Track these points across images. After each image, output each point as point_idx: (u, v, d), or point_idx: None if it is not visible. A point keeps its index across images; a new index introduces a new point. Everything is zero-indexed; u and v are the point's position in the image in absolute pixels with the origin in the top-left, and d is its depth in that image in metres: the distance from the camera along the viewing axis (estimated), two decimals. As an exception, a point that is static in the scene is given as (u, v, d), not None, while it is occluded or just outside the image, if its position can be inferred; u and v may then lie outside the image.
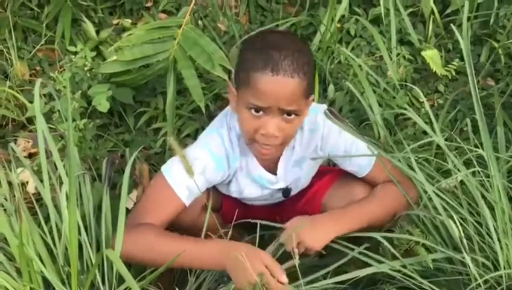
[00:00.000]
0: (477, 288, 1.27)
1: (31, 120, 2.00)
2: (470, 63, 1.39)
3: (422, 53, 2.11)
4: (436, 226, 1.40)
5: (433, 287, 1.30)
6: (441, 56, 2.18)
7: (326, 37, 2.09)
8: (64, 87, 1.80)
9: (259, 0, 2.38)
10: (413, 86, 1.80)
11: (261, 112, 1.29)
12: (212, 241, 1.32)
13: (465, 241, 1.29)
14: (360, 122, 1.96)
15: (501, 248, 1.29)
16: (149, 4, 2.36)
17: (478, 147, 1.39)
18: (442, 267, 1.37)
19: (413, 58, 2.21)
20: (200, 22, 2.24)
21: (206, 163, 1.38)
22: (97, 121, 1.93)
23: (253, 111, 1.29)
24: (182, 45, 1.82)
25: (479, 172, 1.36)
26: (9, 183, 1.42)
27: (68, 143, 1.30)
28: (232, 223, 1.38)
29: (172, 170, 1.37)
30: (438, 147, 1.58)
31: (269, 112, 1.28)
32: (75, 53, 1.94)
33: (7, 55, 2.15)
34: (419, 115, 1.87)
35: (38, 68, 2.20)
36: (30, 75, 2.18)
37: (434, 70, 2.09)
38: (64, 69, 2.11)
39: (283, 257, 1.33)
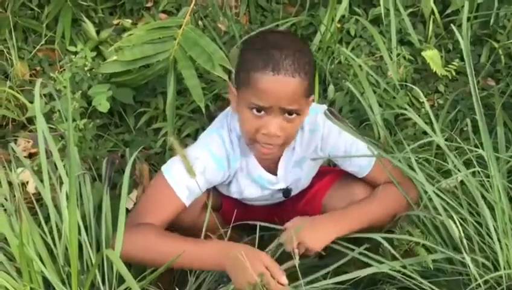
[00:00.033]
0: (477, 288, 1.27)
1: (31, 120, 2.00)
2: (470, 63, 1.39)
3: (423, 53, 2.11)
4: (436, 226, 1.40)
5: (433, 287, 1.30)
6: (441, 56, 2.18)
7: (326, 37, 2.09)
8: (65, 87, 1.80)
9: (259, 1, 2.38)
10: (414, 86, 1.80)
11: (262, 112, 1.29)
12: (212, 242, 1.32)
13: (465, 241, 1.29)
14: (360, 123, 1.97)
15: (501, 248, 1.29)
16: (149, 4, 2.36)
17: (478, 147, 1.39)
18: (442, 267, 1.37)
19: (413, 59, 2.21)
20: (200, 22, 2.24)
21: (206, 163, 1.38)
22: (97, 121, 1.93)
23: (254, 111, 1.29)
24: (182, 45, 1.82)
25: (479, 172, 1.36)
26: (10, 183, 1.42)
27: (68, 143, 1.30)
28: (231, 224, 1.38)
29: (172, 170, 1.37)
30: (438, 147, 1.58)
31: (270, 111, 1.28)
32: (75, 53, 1.94)
33: (7, 55, 2.15)
34: (419, 115, 1.87)
35: (38, 68, 2.20)
36: (30, 75, 2.18)
37: (434, 71, 2.09)
38: (64, 69, 2.11)
39: (283, 258, 1.33)
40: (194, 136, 1.96)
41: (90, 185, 1.47)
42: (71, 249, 1.26)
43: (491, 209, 1.32)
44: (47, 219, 1.37)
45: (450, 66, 2.11)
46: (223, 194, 1.56)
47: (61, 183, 1.39)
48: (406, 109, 1.63)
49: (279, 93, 1.25)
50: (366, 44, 2.22)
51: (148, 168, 1.82)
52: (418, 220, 1.43)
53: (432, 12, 2.21)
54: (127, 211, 1.34)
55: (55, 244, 1.35)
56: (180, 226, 1.39)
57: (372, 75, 1.98)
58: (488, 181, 1.35)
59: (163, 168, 1.38)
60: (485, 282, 1.28)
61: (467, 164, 1.44)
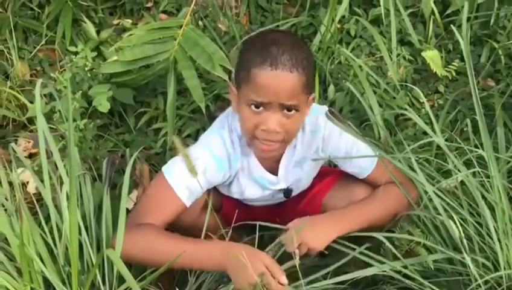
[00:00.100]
0: (478, 288, 1.27)
1: (31, 120, 2.00)
2: (470, 63, 1.39)
3: (423, 54, 2.11)
4: (436, 226, 1.40)
5: (434, 287, 1.30)
6: (441, 57, 2.18)
7: (326, 38, 2.09)
8: (65, 87, 1.80)
9: (259, 1, 2.38)
10: (414, 87, 1.80)
11: (261, 108, 1.29)
12: (212, 242, 1.32)
13: (465, 241, 1.29)
14: (360, 123, 1.97)
15: (501, 248, 1.29)
16: (149, 4, 2.36)
17: (478, 148, 1.39)
18: (442, 267, 1.37)
19: (413, 59, 2.21)
20: (200, 23, 2.24)
21: (207, 163, 1.38)
22: (97, 121, 1.93)
23: (253, 107, 1.30)
24: (183, 45, 1.82)
25: (479, 172, 1.36)
26: (10, 184, 1.42)
27: (69, 143, 1.30)
28: (232, 225, 1.38)
29: (173, 170, 1.37)
30: (438, 147, 1.58)
31: (269, 107, 1.28)
32: (76, 53, 1.94)
33: (8, 55, 2.16)
34: (419, 116, 1.87)
35: (38, 68, 2.21)
36: (31, 76, 2.18)
37: (434, 71, 2.09)
38: (64, 69, 2.11)
39: (284, 258, 1.33)
40: (195, 136, 1.96)
41: (90, 185, 1.47)
42: (71, 249, 1.26)
43: (491, 209, 1.32)
44: (47, 219, 1.37)
45: (450, 66, 2.11)
46: (224, 195, 1.56)
47: (62, 183, 1.39)
48: (406, 109, 1.63)
49: (277, 89, 1.26)
50: (366, 44, 2.22)
51: (148, 168, 1.82)
52: (418, 220, 1.43)
53: (432, 12, 2.22)
54: (127, 211, 1.34)
55: (55, 245, 1.35)
56: (180, 227, 1.39)
57: (372, 76, 1.99)
58: (488, 181, 1.35)
59: (164, 168, 1.38)
60: (485, 282, 1.28)
61: (467, 164, 1.44)
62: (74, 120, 1.74)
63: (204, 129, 1.87)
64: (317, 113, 1.43)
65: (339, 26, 2.18)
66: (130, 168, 1.37)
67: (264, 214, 1.54)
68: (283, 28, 2.11)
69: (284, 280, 1.23)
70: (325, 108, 1.46)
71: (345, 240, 1.37)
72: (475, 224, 1.35)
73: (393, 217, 1.43)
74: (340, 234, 1.36)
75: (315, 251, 1.34)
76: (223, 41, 2.20)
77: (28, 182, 1.74)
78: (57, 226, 1.35)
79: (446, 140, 1.48)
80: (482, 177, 1.36)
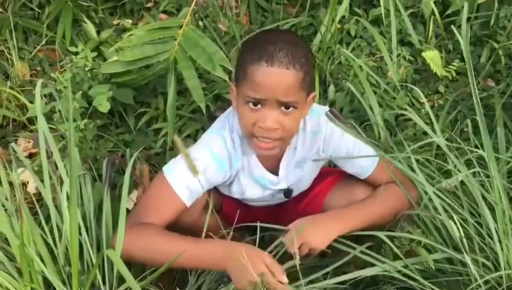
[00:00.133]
0: (478, 288, 1.27)
1: (31, 120, 2.00)
2: (470, 64, 1.39)
3: (423, 54, 2.11)
4: (436, 227, 1.40)
5: (434, 287, 1.30)
6: (442, 57, 2.18)
7: (326, 38, 2.09)
8: (65, 87, 1.80)
9: (259, 1, 2.38)
10: (414, 87, 1.80)
11: (259, 106, 1.30)
12: (213, 242, 1.32)
13: (465, 241, 1.29)
14: (360, 123, 1.96)
15: (501, 248, 1.29)
16: (150, 5, 2.36)
17: (478, 148, 1.39)
18: (442, 267, 1.37)
19: (413, 59, 2.21)
20: (200, 23, 2.24)
21: (207, 163, 1.38)
22: (98, 122, 1.93)
23: (251, 105, 1.30)
24: (183, 45, 1.82)
25: (479, 173, 1.36)
26: (10, 184, 1.42)
27: (69, 143, 1.30)
28: (234, 226, 1.38)
29: (173, 170, 1.37)
30: (439, 147, 1.58)
31: (266, 104, 1.29)
32: (76, 53, 1.95)
33: (8, 55, 2.16)
34: (419, 116, 1.87)
35: (38, 68, 2.21)
36: (31, 76, 2.18)
37: (434, 71, 2.09)
38: (64, 70, 2.11)
39: (284, 258, 1.32)
40: (195, 136, 1.96)
41: (90, 186, 1.47)
42: (72, 249, 1.26)
43: (491, 209, 1.32)
44: (47, 219, 1.37)
45: (450, 66, 2.11)
46: (224, 196, 1.56)
47: (62, 183, 1.39)
48: (406, 110, 1.63)
49: (274, 85, 1.26)
50: (367, 44, 2.22)
51: (148, 168, 1.82)
52: (418, 219, 1.43)
53: (432, 13, 2.22)
54: (127, 211, 1.34)
55: (55, 245, 1.35)
56: (181, 227, 1.39)
57: (372, 76, 1.99)
58: (489, 181, 1.35)
59: (165, 168, 1.38)
60: (486, 282, 1.28)
61: (467, 164, 1.44)
62: (74, 120, 1.74)
63: (204, 129, 1.87)
64: (318, 114, 1.44)
65: (339, 26, 2.18)
66: (130, 169, 1.37)
67: (265, 214, 1.54)
68: (284, 28, 2.11)
69: (284, 279, 1.23)
70: (326, 109, 1.46)
71: (345, 240, 1.37)
72: (475, 224, 1.35)
73: (394, 217, 1.43)
74: (341, 233, 1.36)
75: (317, 250, 1.34)
76: (223, 41, 2.20)
77: (28, 182, 1.74)
78: (57, 226, 1.35)
79: (446, 140, 1.48)
80: (482, 178, 1.36)
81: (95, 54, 2.00)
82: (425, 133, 1.90)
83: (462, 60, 2.12)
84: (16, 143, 1.92)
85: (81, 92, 1.83)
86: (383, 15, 2.05)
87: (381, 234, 1.34)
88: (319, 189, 1.58)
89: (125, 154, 1.80)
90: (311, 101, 1.38)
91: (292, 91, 1.27)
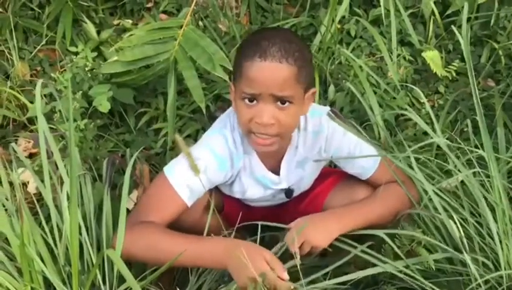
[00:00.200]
0: (478, 288, 1.27)
1: (31, 120, 2.00)
2: (470, 64, 1.39)
3: (423, 54, 2.11)
4: (437, 226, 1.40)
5: (434, 287, 1.30)
6: (442, 57, 2.18)
7: (326, 38, 2.09)
8: (65, 87, 1.80)
9: (259, 1, 2.38)
10: (414, 87, 1.80)
11: (254, 101, 1.30)
12: (214, 240, 1.32)
13: (465, 241, 1.29)
14: (360, 123, 1.96)
15: (502, 248, 1.29)
16: (150, 5, 2.36)
17: (478, 148, 1.39)
18: (442, 267, 1.37)
19: (413, 59, 2.21)
20: (200, 23, 2.24)
21: (208, 163, 1.38)
22: (98, 122, 1.93)
23: (247, 101, 1.30)
24: (183, 45, 1.82)
25: (479, 173, 1.36)
26: (10, 184, 1.42)
27: (69, 143, 1.30)
28: (236, 226, 1.38)
29: (174, 169, 1.37)
30: (439, 147, 1.58)
31: (262, 99, 1.29)
32: (76, 53, 1.95)
33: (8, 55, 2.16)
34: (419, 116, 1.87)
35: (39, 68, 2.21)
36: (31, 76, 2.18)
37: (434, 71, 2.09)
38: (65, 70, 2.11)
39: (286, 258, 1.32)
40: (195, 136, 1.96)
41: (90, 186, 1.46)
42: (72, 249, 1.26)
43: (492, 209, 1.32)
44: (48, 219, 1.37)
45: (450, 66, 2.12)
46: (225, 196, 1.56)
47: (62, 183, 1.39)
48: (406, 110, 1.63)
49: (267, 80, 1.26)
50: (367, 45, 2.22)
51: (148, 168, 1.82)
52: (418, 219, 1.43)
53: (432, 13, 2.22)
54: (128, 211, 1.34)
55: (56, 245, 1.35)
56: (182, 227, 1.38)
57: (372, 76, 1.99)
58: (489, 181, 1.35)
59: (165, 168, 1.38)
60: (486, 282, 1.28)
61: (468, 164, 1.44)
62: (74, 120, 1.74)
63: (204, 129, 1.87)
64: (320, 114, 1.44)
65: (339, 26, 2.18)
66: (130, 169, 1.37)
67: (266, 215, 1.54)
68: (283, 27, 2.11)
69: (285, 275, 1.23)
70: (328, 109, 1.46)
71: (345, 239, 1.36)
72: (475, 224, 1.35)
73: (394, 217, 1.43)
74: (343, 232, 1.35)
75: (318, 249, 1.34)
76: (223, 41, 2.20)
77: (28, 182, 1.74)
78: (58, 226, 1.35)
79: (446, 140, 1.48)
80: (482, 178, 1.36)
81: (95, 54, 2.00)
82: (425, 133, 1.90)
83: (462, 60, 2.13)
84: (16, 143, 1.92)
85: (81, 92, 1.83)
86: (383, 15, 2.05)
87: (381, 233, 1.33)
88: (320, 189, 1.58)
89: (126, 154, 1.80)
90: (311, 98, 1.38)
91: (287, 85, 1.27)
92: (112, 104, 1.88)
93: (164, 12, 2.34)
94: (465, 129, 1.94)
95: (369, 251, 1.33)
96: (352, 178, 1.51)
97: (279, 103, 1.29)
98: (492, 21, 2.19)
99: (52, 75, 1.91)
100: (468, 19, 2.16)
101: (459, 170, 1.39)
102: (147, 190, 1.46)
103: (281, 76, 1.26)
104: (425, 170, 1.46)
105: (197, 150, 1.39)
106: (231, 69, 1.77)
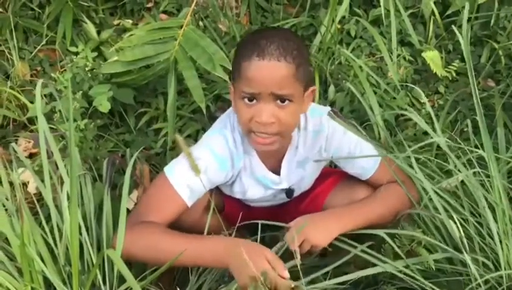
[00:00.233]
0: (478, 288, 1.27)
1: (32, 120, 2.00)
2: (470, 64, 1.39)
3: (423, 54, 2.11)
4: (437, 226, 1.40)
5: (434, 287, 1.30)
6: (442, 57, 2.18)
7: (326, 38, 2.09)
8: (65, 87, 1.81)
9: (259, 1, 2.38)
10: (414, 87, 1.80)
11: (254, 101, 1.30)
12: (214, 239, 1.32)
13: (465, 241, 1.29)
14: (360, 123, 1.96)
15: (502, 248, 1.29)
16: (150, 5, 2.36)
17: (478, 148, 1.39)
18: (442, 267, 1.37)
19: (413, 59, 2.21)
20: (200, 23, 2.24)
21: (208, 163, 1.38)
22: (98, 122, 1.93)
23: (246, 100, 1.30)
24: (183, 45, 1.82)
25: (479, 173, 1.36)
26: (11, 184, 1.42)
27: (69, 143, 1.30)
28: (237, 225, 1.38)
29: (174, 169, 1.37)
30: (439, 147, 1.58)
31: (261, 98, 1.29)
32: (76, 53, 1.95)
33: (8, 55, 2.16)
34: (419, 116, 1.87)
35: (39, 68, 2.21)
36: (31, 76, 2.18)
37: (434, 72, 2.09)
38: (65, 70, 2.11)
39: (286, 257, 1.32)
40: (195, 136, 1.96)
41: (91, 186, 1.46)
42: (72, 249, 1.26)
43: (492, 209, 1.32)
44: (48, 219, 1.37)
45: (450, 66, 2.12)
46: (226, 196, 1.56)
47: (62, 183, 1.39)
48: (406, 110, 1.63)
49: (266, 78, 1.26)
50: (367, 45, 2.22)
51: (148, 168, 1.82)
52: (418, 219, 1.43)
53: (432, 13, 2.22)
54: (128, 211, 1.34)
55: (56, 244, 1.35)
56: (182, 227, 1.38)
57: (372, 76, 1.99)
58: (489, 181, 1.36)
59: (166, 168, 1.38)
60: (486, 282, 1.28)
61: (468, 164, 1.44)
62: (75, 120, 1.74)
63: (204, 130, 1.87)
64: (320, 114, 1.44)
65: (339, 26, 2.18)
66: (130, 169, 1.37)
67: (266, 215, 1.54)
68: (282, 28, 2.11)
69: (286, 274, 1.23)
70: (328, 108, 1.46)
71: (345, 239, 1.37)
72: (475, 224, 1.35)
73: (394, 217, 1.43)
74: (343, 231, 1.35)
75: (318, 247, 1.34)
76: (223, 41, 2.20)
77: (28, 182, 1.74)
78: (58, 226, 1.35)
79: (446, 140, 1.48)
80: (482, 178, 1.36)
81: (96, 54, 2.00)
82: (425, 133, 1.90)
83: (462, 60, 2.13)
84: (16, 143, 1.92)
85: (81, 92, 1.83)
86: (383, 15, 2.05)
87: (381, 233, 1.33)
88: (320, 189, 1.58)
89: (126, 154, 1.80)
90: (311, 96, 1.37)
91: (286, 83, 1.27)
92: (112, 104, 1.88)
93: (164, 12, 2.34)
94: (465, 129, 1.94)
95: (369, 250, 1.33)
96: (353, 178, 1.51)
97: (278, 101, 1.29)
98: (492, 21, 2.19)
99: (52, 75, 1.91)
100: (468, 19, 2.16)
101: (459, 170, 1.39)
102: (147, 190, 1.46)
103: (279, 74, 1.26)
104: (426, 170, 1.46)
105: (198, 150, 1.39)
106: (231, 69, 1.77)
